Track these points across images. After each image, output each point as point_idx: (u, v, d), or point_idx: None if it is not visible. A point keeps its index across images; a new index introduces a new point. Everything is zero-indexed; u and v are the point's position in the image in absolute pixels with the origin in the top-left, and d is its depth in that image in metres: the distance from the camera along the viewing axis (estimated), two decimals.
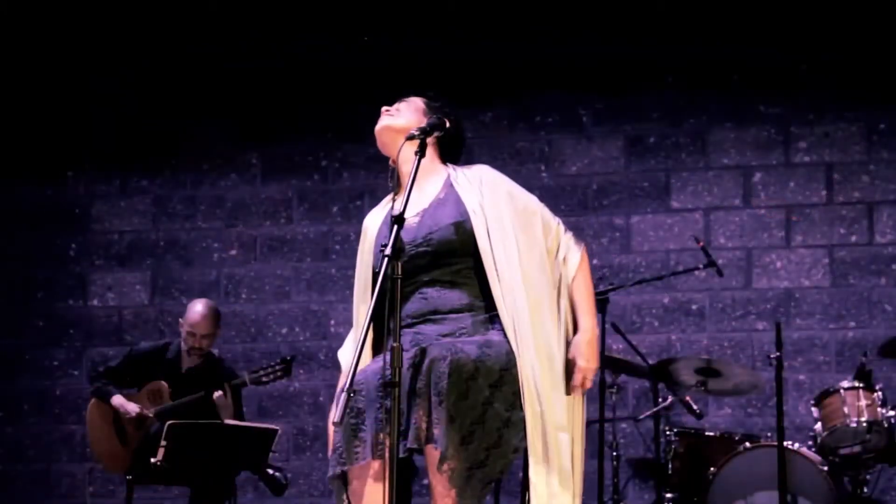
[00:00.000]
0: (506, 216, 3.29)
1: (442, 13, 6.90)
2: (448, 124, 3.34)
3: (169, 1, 6.92)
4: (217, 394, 5.70)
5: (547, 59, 6.98)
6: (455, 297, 3.25)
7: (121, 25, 7.12)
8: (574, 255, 3.33)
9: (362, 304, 3.38)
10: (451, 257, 3.26)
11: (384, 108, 3.46)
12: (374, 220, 3.47)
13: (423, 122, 3.34)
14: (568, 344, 3.27)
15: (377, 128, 3.44)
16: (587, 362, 3.24)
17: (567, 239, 3.35)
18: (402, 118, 3.41)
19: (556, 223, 3.36)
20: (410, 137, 3.23)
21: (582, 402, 3.30)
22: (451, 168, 3.44)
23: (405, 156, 3.33)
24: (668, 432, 5.75)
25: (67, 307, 7.48)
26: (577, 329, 3.29)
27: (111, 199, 7.53)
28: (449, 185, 3.37)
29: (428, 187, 3.39)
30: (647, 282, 6.26)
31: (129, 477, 5.80)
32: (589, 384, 3.27)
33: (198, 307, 5.95)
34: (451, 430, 2.97)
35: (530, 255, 3.27)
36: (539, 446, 3.13)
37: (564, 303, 3.30)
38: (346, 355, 3.45)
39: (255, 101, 7.39)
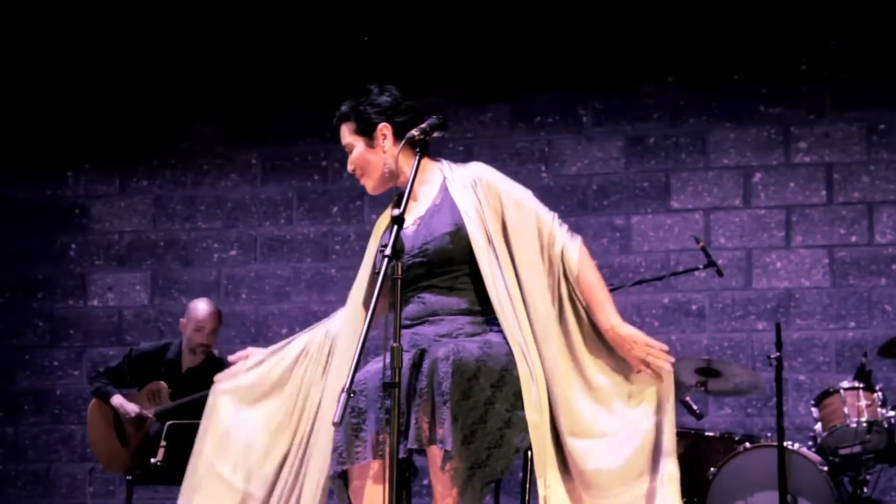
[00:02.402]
0: (498, 218, 3.28)
1: (442, 13, 6.89)
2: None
3: (169, 1, 6.92)
4: None
5: (547, 59, 6.98)
6: (453, 302, 3.26)
7: (121, 25, 7.11)
8: (572, 249, 3.29)
9: (362, 300, 3.38)
10: (448, 265, 3.27)
11: (350, 169, 3.42)
12: (383, 220, 3.46)
13: (381, 141, 3.32)
14: (587, 337, 3.26)
15: (371, 193, 3.43)
16: (633, 343, 3.21)
17: (563, 233, 3.32)
18: (372, 170, 3.36)
19: (551, 218, 3.33)
20: (410, 139, 3.20)
21: (661, 390, 3.24)
22: (444, 166, 3.42)
23: (406, 160, 3.34)
24: None
25: (67, 307, 7.48)
26: (594, 325, 3.27)
27: (111, 199, 7.53)
28: (444, 190, 3.36)
29: (423, 194, 3.38)
30: (647, 282, 6.22)
31: (129, 477, 5.80)
32: (655, 357, 3.20)
33: (202, 304, 5.97)
34: (453, 429, 2.97)
35: (526, 255, 3.26)
36: (553, 453, 3.14)
37: (566, 291, 3.27)
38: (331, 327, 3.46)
39: (256, 101, 7.39)
